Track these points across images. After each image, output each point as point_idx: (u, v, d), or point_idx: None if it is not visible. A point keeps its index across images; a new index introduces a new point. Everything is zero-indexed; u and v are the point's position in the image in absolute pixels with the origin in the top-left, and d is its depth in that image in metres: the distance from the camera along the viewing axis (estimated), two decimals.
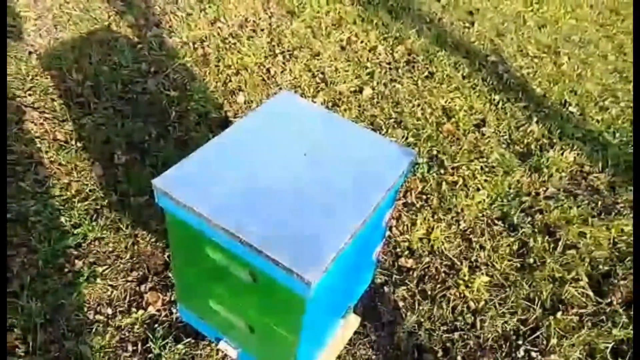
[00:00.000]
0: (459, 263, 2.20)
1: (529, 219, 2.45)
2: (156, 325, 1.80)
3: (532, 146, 2.93)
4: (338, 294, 1.50)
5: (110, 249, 2.03)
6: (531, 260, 2.26)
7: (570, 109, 3.27)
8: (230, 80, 2.99)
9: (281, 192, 1.28)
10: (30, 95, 2.64)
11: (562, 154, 2.87)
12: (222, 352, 1.68)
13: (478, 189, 2.57)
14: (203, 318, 1.59)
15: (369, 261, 1.71)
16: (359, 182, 1.35)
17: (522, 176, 2.69)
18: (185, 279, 1.55)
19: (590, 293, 2.14)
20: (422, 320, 1.97)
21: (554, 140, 2.98)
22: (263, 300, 1.30)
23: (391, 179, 1.38)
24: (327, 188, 1.32)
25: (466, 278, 2.14)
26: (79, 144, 2.44)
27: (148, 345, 1.74)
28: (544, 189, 2.65)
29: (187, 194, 1.24)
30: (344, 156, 1.42)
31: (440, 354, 1.88)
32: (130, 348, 1.73)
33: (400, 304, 2.02)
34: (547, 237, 2.36)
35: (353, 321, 1.77)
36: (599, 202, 2.58)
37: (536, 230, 2.40)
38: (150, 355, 1.72)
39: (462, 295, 2.08)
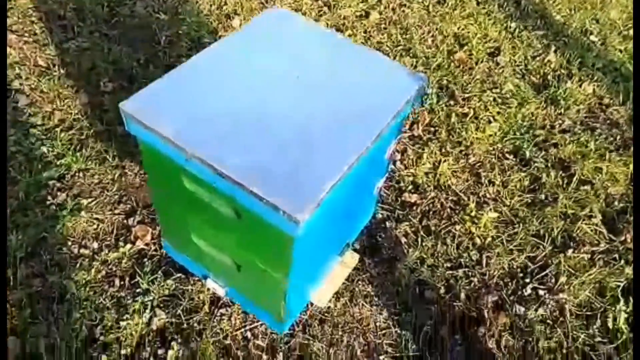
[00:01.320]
0: (465, 199, 2.09)
1: (543, 153, 2.30)
2: (145, 260, 1.72)
3: (549, 77, 2.73)
4: (333, 231, 1.39)
5: (96, 181, 1.92)
6: (543, 196, 2.14)
7: (592, 37, 3.04)
8: (226, 4, 2.77)
9: (268, 120, 1.14)
10: (7, 17, 2.45)
11: (580, 85, 2.68)
12: None
13: (490, 122, 2.41)
14: (188, 255, 1.50)
15: (370, 196, 1.59)
16: (360, 109, 1.20)
17: (537, 108, 2.52)
18: (166, 212, 1.44)
19: (604, 230, 2.02)
20: (425, 256, 1.88)
21: (573, 71, 2.78)
22: (248, 237, 1.20)
23: (396, 106, 1.23)
24: (322, 115, 1.17)
25: (473, 214, 2.03)
26: (62, 71, 2.28)
27: (136, 280, 1.67)
28: (560, 122, 2.48)
29: (160, 120, 1.10)
30: (343, 80, 1.27)
31: (442, 290, 1.80)
32: (117, 283, 1.66)
33: (403, 240, 1.92)
34: (560, 172, 2.22)
35: (351, 259, 1.67)
36: (618, 137, 2.42)
37: (549, 164, 2.26)
38: (138, 290, 1.65)
39: (468, 231, 1.97)
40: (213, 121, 1.11)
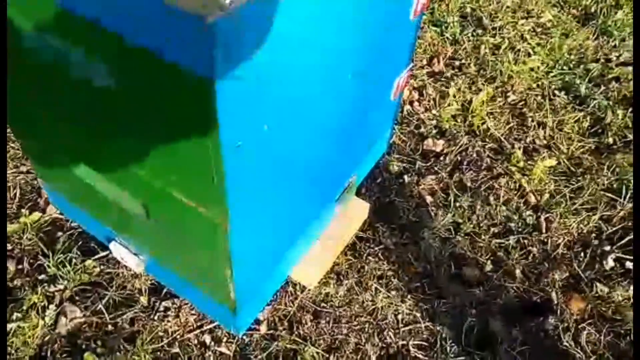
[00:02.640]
0: (509, 145, 1.55)
1: (601, 89, 1.77)
2: (59, 234, 1.19)
3: (592, 9, 2.20)
4: (321, 136, 0.81)
5: None
6: (610, 140, 1.60)
7: None
8: None
9: None
10: None
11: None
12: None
13: (529, 54, 1.88)
14: (77, 203, 0.96)
15: (384, 100, 1.03)
16: None
17: (586, 39, 1.99)
18: (22, 119, 0.88)
19: None
20: (461, 220, 1.34)
21: (621, 2, 2.24)
22: (134, 116, 0.62)
23: None
24: None
25: (521, 164, 1.49)
26: None
27: (40, 262, 1.14)
28: (617, 54, 1.94)
29: None
30: None
31: (488, 267, 1.26)
32: (11, 267, 1.12)
33: (428, 199, 1.38)
34: (628, 111, 1.69)
35: (356, 208, 1.12)
36: None
37: (612, 102, 1.72)
38: (42, 277, 1.11)
39: (517, 186, 1.44)
40: None
